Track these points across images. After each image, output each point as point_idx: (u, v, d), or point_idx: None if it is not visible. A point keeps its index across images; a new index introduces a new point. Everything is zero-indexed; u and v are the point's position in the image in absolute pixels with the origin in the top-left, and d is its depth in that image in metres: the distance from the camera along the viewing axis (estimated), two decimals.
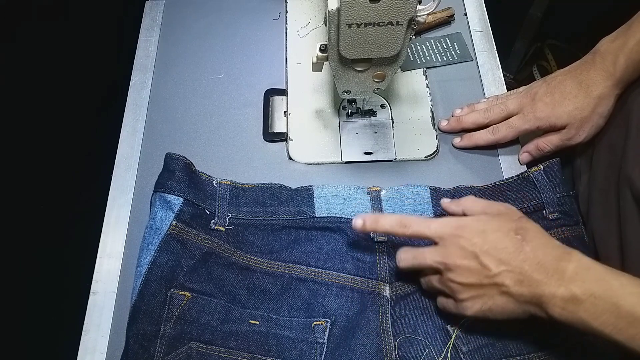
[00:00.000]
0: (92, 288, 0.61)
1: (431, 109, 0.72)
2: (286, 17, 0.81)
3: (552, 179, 0.63)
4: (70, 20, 0.75)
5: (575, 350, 0.55)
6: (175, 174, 0.61)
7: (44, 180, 0.70)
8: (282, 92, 0.74)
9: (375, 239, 0.61)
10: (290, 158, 0.70)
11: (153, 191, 0.61)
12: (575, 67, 0.65)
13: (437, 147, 0.70)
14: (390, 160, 0.69)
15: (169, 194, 0.60)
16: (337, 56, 0.56)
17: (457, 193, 0.64)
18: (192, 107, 0.73)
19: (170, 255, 0.57)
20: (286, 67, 0.76)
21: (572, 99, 0.63)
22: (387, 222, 0.54)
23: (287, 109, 0.73)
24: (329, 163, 0.69)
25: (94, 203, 0.69)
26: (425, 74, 0.75)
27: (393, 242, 0.60)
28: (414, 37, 0.60)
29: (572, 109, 0.63)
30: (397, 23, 0.51)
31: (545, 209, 0.62)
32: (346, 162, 0.69)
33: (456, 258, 0.50)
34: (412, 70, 0.76)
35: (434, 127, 0.71)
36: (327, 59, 0.58)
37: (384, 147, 0.70)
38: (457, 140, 0.70)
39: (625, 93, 0.63)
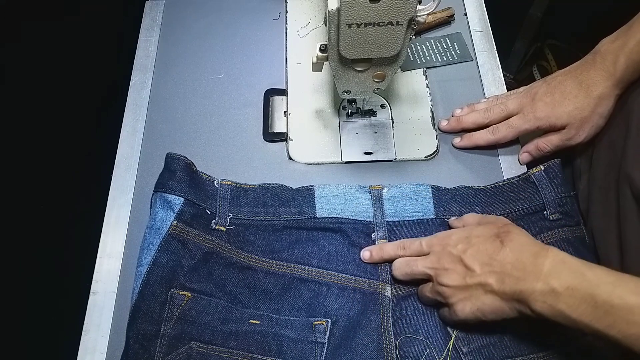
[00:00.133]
0: (92, 288, 0.61)
1: (431, 109, 0.72)
2: (286, 17, 0.80)
3: (553, 179, 0.63)
4: (70, 20, 0.75)
5: (576, 351, 0.55)
6: (176, 174, 0.61)
7: (44, 180, 0.70)
8: (282, 92, 0.74)
9: (377, 241, 0.61)
10: (290, 158, 0.70)
11: (154, 191, 0.61)
12: (575, 67, 0.65)
13: (437, 147, 0.70)
14: (390, 160, 0.69)
15: (169, 193, 0.60)
16: (337, 56, 0.56)
17: (458, 193, 0.64)
18: (192, 107, 0.73)
19: (170, 255, 0.57)
20: (286, 67, 0.76)
21: (572, 99, 0.63)
22: (390, 248, 0.60)
23: (287, 109, 0.73)
24: (329, 163, 0.69)
25: (94, 203, 0.69)
26: (425, 74, 0.75)
27: None
28: (414, 37, 0.60)
29: (572, 109, 0.63)
30: (397, 23, 0.51)
31: (546, 210, 0.62)
32: (346, 162, 0.69)
33: (444, 262, 0.54)
34: (412, 70, 0.76)
35: (434, 127, 0.71)
36: (327, 59, 0.58)
37: (384, 147, 0.70)
38: (457, 140, 0.70)
39: (625, 93, 0.63)
